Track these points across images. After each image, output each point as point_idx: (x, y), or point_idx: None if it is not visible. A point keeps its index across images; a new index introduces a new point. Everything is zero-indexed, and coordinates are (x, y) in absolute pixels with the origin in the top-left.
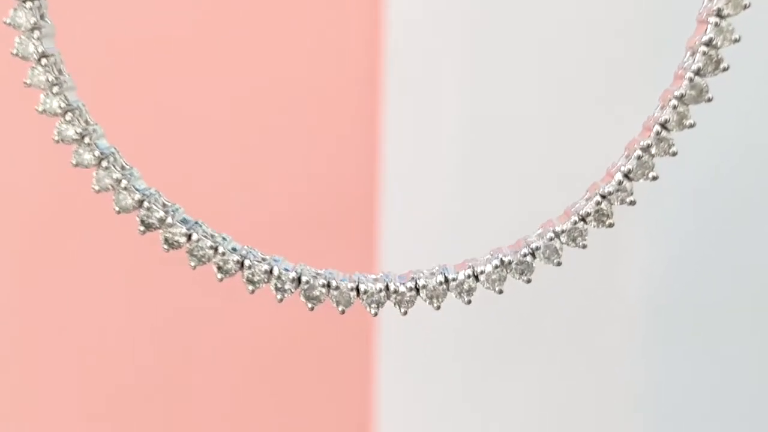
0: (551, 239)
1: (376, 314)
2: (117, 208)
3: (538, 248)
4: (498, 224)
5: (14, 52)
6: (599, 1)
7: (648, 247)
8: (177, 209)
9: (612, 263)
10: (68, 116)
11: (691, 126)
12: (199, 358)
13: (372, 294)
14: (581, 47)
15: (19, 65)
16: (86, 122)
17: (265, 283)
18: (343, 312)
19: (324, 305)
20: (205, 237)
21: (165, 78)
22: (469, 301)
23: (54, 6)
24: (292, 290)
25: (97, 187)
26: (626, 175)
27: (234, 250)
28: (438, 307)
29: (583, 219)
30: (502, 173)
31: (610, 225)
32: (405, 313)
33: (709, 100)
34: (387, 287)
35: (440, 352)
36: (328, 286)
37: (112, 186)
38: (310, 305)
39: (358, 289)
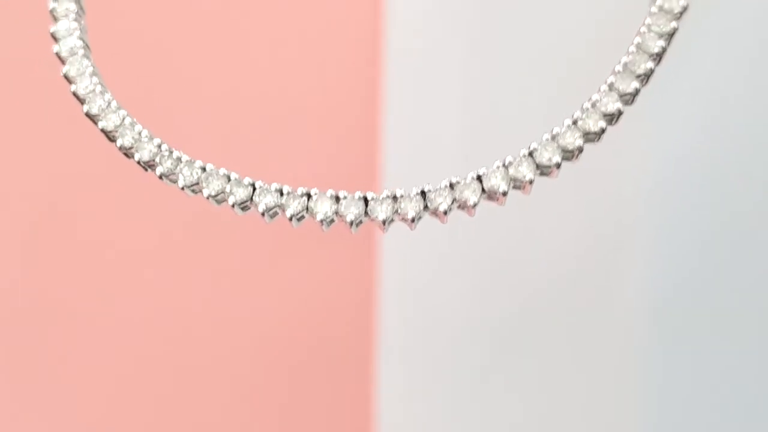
0: (548, 140)
1: (384, 222)
2: (137, 157)
3: (535, 149)
4: (499, 222)
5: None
6: (601, 1)
7: (648, 247)
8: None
9: (612, 263)
10: (98, 88)
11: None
12: (199, 357)
13: (380, 200)
14: (582, 45)
15: (19, 66)
16: (110, 97)
17: (279, 208)
18: (351, 224)
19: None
20: (217, 170)
21: (162, 78)
22: (475, 204)
23: None
24: (304, 207)
25: (120, 143)
26: (610, 87)
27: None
28: (445, 212)
29: (575, 123)
30: None
31: (602, 129)
32: (413, 219)
33: (675, 29)
34: (394, 196)
35: (441, 352)
36: (336, 198)
37: (134, 140)
38: (320, 217)
39: (365, 198)
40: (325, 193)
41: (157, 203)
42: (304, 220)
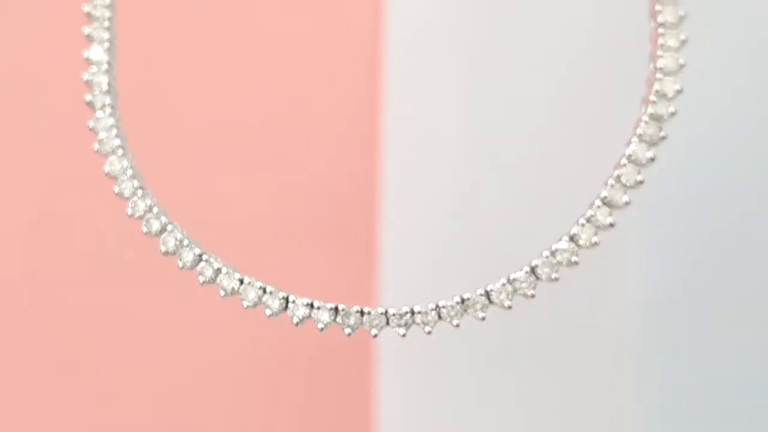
0: (547, 257)
1: (404, 335)
2: (181, 264)
3: (537, 265)
4: (499, 223)
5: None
6: (602, 1)
7: (647, 248)
8: (227, 264)
9: (611, 264)
10: (140, 193)
11: (641, 182)
12: (198, 357)
13: (399, 316)
14: (584, 47)
15: (20, 68)
16: (153, 200)
17: (307, 317)
18: (375, 336)
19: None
20: (254, 281)
21: (162, 78)
22: (483, 317)
23: None
24: (332, 319)
25: (164, 249)
26: (603, 201)
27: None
28: (457, 325)
29: (572, 239)
30: (504, 174)
31: (595, 243)
32: (429, 332)
33: (663, 137)
34: (412, 311)
35: (440, 352)
36: (361, 313)
37: (176, 246)
38: (347, 331)
39: (386, 314)
40: (351, 309)
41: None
42: (329, 327)
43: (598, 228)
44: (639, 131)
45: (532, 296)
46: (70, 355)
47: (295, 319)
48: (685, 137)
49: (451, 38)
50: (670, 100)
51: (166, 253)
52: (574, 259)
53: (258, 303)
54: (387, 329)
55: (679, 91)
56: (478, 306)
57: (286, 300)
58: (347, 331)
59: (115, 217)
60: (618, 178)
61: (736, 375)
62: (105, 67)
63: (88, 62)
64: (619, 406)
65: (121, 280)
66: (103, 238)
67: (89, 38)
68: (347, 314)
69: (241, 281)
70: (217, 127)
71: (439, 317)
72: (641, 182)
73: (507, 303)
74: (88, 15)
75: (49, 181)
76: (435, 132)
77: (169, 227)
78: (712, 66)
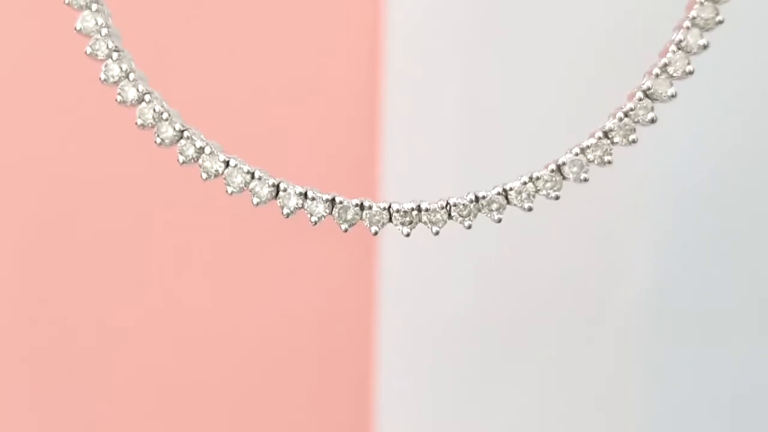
0: (577, 155)
1: (408, 234)
2: (159, 140)
3: (564, 163)
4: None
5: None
6: (600, 1)
7: (647, 248)
8: (212, 143)
9: (611, 264)
10: (115, 56)
11: (690, 73)
12: (199, 356)
13: (405, 213)
14: (582, 44)
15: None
16: (130, 65)
17: (299, 208)
18: (375, 233)
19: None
20: (242, 164)
21: (162, 77)
22: (499, 219)
23: None
24: (328, 211)
25: (140, 121)
26: (645, 93)
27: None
28: (469, 226)
29: (606, 135)
30: (501, 169)
31: (633, 141)
32: (437, 233)
33: (720, 22)
34: (419, 207)
35: (440, 352)
36: (361, 207)
37: (154, 118)
38: (344, 227)
39: (389, 209)
40: (349, 202)
41: (158, 206)
42: (323, 221)
43: (638, 124)
44: (692, 14)
45: (557, 198)
46: (70, 355)
47: (286, 210)
48: (687, 136)
49: (451, 39)
50: None
51: (143, 126)
52: (607, 158)
53: (244, 189)
54: (389, 227)
55: None
56: (494, 206)
57: (277, 188)
58: (344, 226)
59: (115, 217)
60: (664, 68)
61: (736, 374)
62: None
63: None
64: (618, 406)
65: (121, 280)
66: (102, 242)
67: None
68: (345, 207)
69: (227, 163)
70: (217, 126)
71: (449, 216)
72: (691, 73)
73: (527, 204)
74: None
75: (49, 182)
76: (434, 133)
77: (147, 97)
78: (713, 71)
